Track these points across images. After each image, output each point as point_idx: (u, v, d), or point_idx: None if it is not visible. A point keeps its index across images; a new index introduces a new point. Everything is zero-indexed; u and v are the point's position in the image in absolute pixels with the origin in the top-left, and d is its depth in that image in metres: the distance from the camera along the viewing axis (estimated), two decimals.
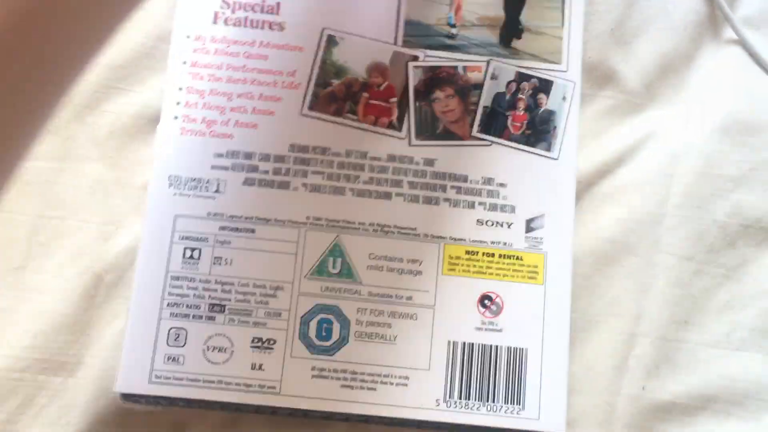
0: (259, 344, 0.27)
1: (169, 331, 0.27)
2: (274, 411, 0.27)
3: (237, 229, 0.28)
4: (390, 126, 0.29)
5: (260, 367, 0.27)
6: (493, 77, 0.30)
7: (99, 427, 0.29)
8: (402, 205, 0.29)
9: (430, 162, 0.29)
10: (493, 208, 0.29)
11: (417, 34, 0.30)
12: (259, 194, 0.28)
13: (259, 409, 0.27)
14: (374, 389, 0.27)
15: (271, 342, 0.27)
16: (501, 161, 0.29)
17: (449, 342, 0.28)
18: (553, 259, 0.29)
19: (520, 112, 0.29)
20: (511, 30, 0.30)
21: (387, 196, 0.29)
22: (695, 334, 0.32)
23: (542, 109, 0.30)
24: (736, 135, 0.33)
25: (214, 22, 0.29)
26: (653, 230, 0.32)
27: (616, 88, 0.33)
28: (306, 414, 0.27)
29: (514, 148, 0.29)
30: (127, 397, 0.27)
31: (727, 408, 0.31)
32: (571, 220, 0.29)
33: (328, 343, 0.27)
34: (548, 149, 0.29)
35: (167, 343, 0.27)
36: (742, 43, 0.34)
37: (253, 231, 0.28)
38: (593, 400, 0.30)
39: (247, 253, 0.28)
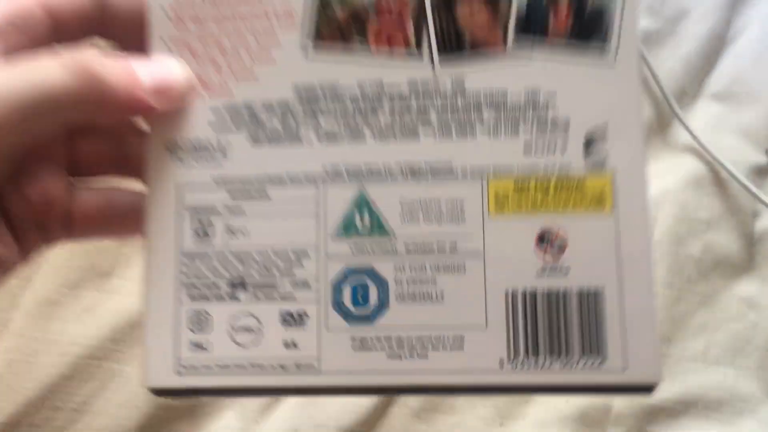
0: (290, 319, 0.24)
1: (190, 315, 0.24)
2: (315, 391, 0.24)
3: (249, 195, 0.25)
4: (407, 48, 0.25)
5: (294, 345, 0.24)
6: None
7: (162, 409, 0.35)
8: (432, 141, 0.24)
9: (459, 84, 0.24)
10: (542, 127, 0.24)
11: None
12: (267, 152, 0.25)
13: (299, 391, 0.24)
14: (425, 356, 0.24)
15: (303, 316, 0.24)
16: (545, 71, 0.24)
17: (507, 292, 0.24)
18: (623, 180, 0.24)
19: (563, 7, 0.24)
20: None
21: (413, 132, 0.24)
22: (677, 350, 0.40)
23: (590, 3, 0.24)
24: (707, 186, 0.42)
25: None
26: None
27: None
28: (351, 391, 0.24)
29: (560, 54, 0.24)
30: (157, 391, 0.25)
31: (706, 412, 0.39)
32: (639, 130, 0.24)
33: (366, 310, 0.24)
34: (601, 51, 0.24)
35: (190, 329, 0.24)
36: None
37: (266, 194, 0.25)
38: (591, 401, 0.37)
39: (263, 220, 0.24)
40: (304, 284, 0.24)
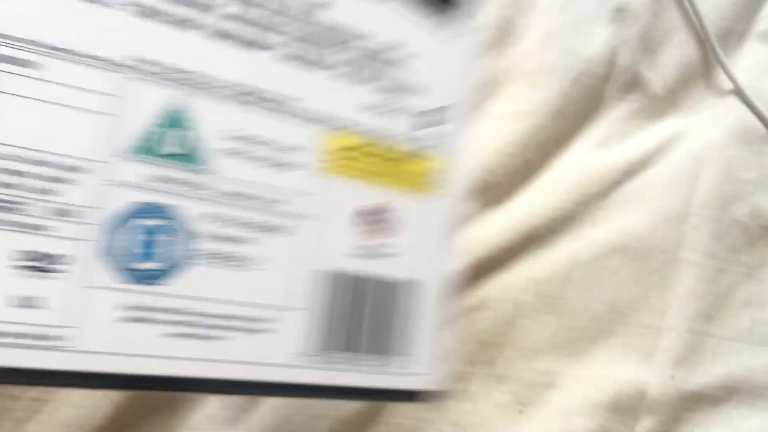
0: (32, 261, 0.15)
1: None
2: (62, 379, 0.16)
3: (10, 58, 0.15)
4: None
5: (33, 303, 0.15)
6: None
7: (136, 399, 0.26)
8: (277, 62, 0.19)
9: (324, 5, 0.19)
10: (391, 87, 0.21)
11: None
12: (50, 3, 0.16)
13: (34, 376, 0.16)
14: (222, 337, 0.18)
15: (56, 259, 0.16)
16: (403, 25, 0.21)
17: (313, 270, 0.19)
18: (454, 165, 0.22)
19: None
20: None
21: (261, 43, 0.18)
22: (719, 329, 0.33)
23: None
24: (755, 141, 0.35)
25: None
26: (678, 229, 0.33)
27: (642, 93, 0.35)
28: (112, 381, 0.17)
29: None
30: None
31: (751, 400, 0.33)
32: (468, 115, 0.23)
33: (153, 265, 0.17)
34: (453, 20, 0.22)
35: None
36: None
37: (37, 63, 0.15)
38: (623, 386, 0.31)
39: (22, 103, 0.15)
40: (65, 212, 0.16)
